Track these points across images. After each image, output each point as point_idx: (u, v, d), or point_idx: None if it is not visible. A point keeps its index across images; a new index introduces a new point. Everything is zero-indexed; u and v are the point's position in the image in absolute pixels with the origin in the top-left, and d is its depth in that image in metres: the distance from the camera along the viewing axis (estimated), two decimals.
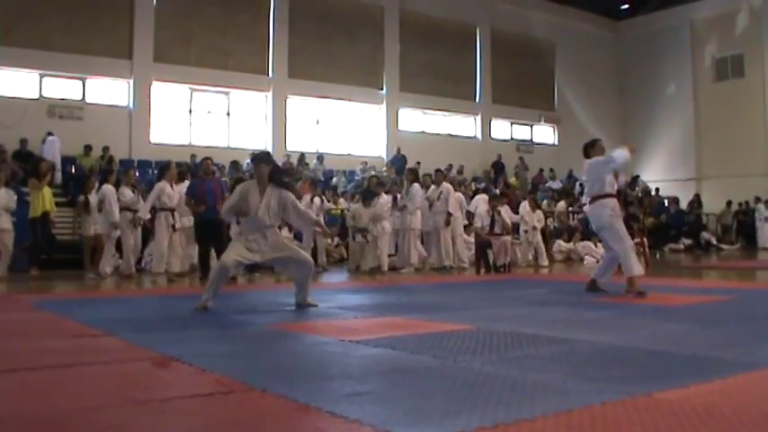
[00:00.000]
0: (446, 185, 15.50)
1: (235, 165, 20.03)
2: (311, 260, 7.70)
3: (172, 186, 12.86)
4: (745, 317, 6.32)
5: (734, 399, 3.28)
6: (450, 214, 14.99)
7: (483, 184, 22.93)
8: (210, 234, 12.34)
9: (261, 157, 7.64)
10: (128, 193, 13.07)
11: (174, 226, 12.74)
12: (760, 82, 28.58)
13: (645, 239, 17.74)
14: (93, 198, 13.56)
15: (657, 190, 29.34)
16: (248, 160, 20.62)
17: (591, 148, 9.36)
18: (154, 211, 13.03)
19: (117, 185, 13.19)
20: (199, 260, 12.83)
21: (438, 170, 16.57)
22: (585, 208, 9.15)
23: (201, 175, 12.77)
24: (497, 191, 20.09)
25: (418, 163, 23.50)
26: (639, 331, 5.57)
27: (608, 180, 8.88)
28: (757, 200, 26.17)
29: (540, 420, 2.86)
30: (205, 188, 12.42)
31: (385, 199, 15.01)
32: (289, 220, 7.87)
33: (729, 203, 27.75)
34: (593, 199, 8.79)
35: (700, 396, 3.30)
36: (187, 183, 13.08)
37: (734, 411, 3.01)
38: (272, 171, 7.54)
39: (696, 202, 28.17)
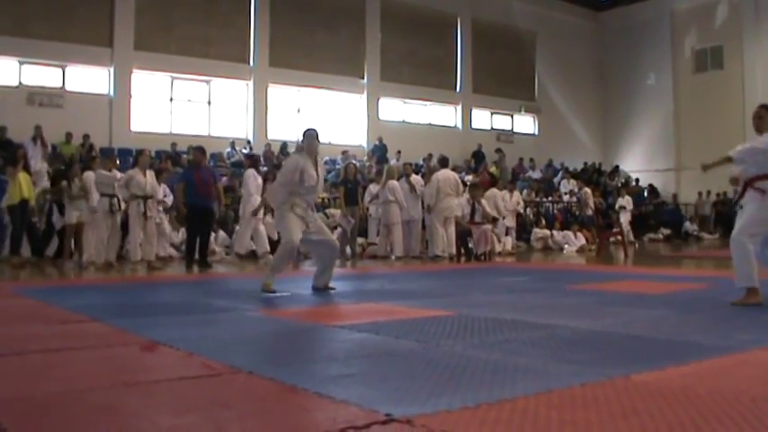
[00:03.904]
0: (416, 177, 16.00)
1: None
2: (338, 244, 7.90)
3: (144, 174, 12.75)
4: (720, 304, 6.42)
5: (709, 381, 3.38)
6: (428, 204, 15.26)
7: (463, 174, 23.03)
8: (202, 221, 12.51)
9: (314, 132, 7.92)
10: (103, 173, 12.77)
11: (145, 214, 12.62)
12: (739, 74, 28.76)
13: (623, 229, 17.94)
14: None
15: (638, 180, 29.62)
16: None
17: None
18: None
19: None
20: (186, 247, 12.90)
21: (406, 164, 17.33)
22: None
23: (192, 164, 13.00)
24: (468, 179, 20.15)
25: (399, 152, 23.60)
26: (618, 317, 5.67)
27: None
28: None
29: (521, 400, 2.94)
30: (202, 177, 12.63)
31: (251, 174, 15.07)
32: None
33: (701, 194, 28.00)
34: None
35: (676, 378, 3.39)
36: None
37: (709, 392, 3.09)
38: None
39: (653, 192, 28.77)
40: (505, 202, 17.82)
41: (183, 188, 12.72)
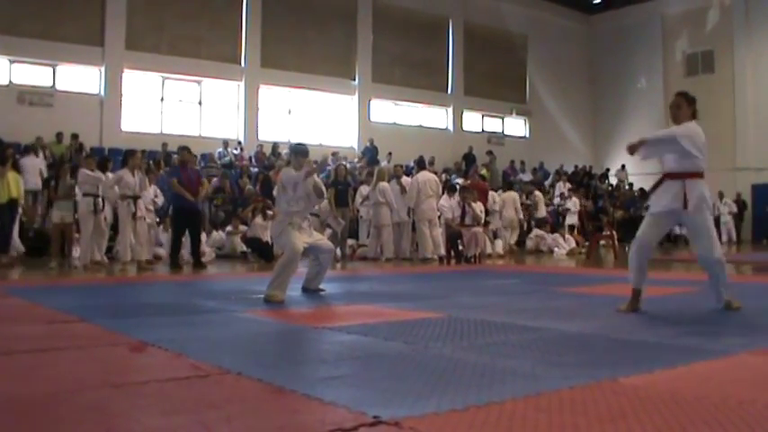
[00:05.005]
0: (407, 179, 16.06)
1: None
2: (334, 248, 8.09)
3: (133, 174, 12.70)
4: (708, 308, 6.43)
5: (697, 384, 3.38)
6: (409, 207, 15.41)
7: (453, 176, 23.05)
8: (190, 221, 12.50)
9: (302, 150, 7.76)
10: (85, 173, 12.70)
11: (134, 214, 12.57)
12: (730, 78, 28.83)
13: (614, 232, 17.98)
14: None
15: (632, 185, 29.68)
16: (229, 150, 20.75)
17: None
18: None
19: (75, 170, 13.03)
20: (171, 246, 12.87)
21: (397, 166, 17.46)
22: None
23: (180, 163, 12.98)
24: (459, 181, 20.15)
25: (390, 154, 23.62)
26: (607, 320, 5.68)
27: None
28: (721, 195, 26.32)
29: (509, 403, 2.93)
30: (189, 177, 12.64)
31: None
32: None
33: None
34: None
35: (664, 381, 3.39)
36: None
37: (696, 396, 3.10)
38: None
39: (643, 196, 28.75)
40: (496, 204, 17.88)
41: (178, 182, 12.69)
